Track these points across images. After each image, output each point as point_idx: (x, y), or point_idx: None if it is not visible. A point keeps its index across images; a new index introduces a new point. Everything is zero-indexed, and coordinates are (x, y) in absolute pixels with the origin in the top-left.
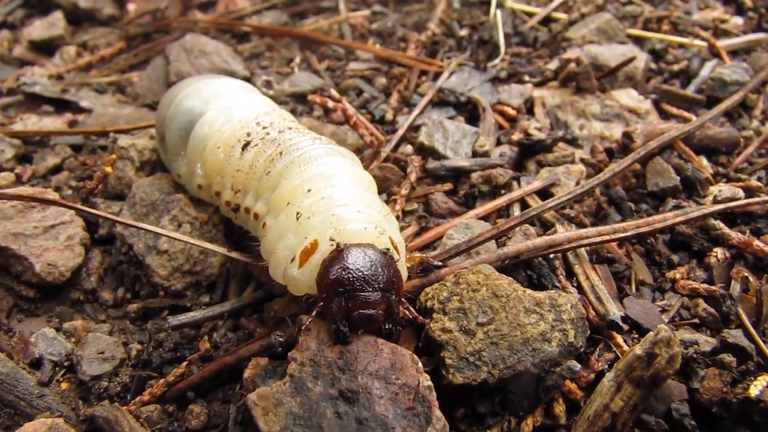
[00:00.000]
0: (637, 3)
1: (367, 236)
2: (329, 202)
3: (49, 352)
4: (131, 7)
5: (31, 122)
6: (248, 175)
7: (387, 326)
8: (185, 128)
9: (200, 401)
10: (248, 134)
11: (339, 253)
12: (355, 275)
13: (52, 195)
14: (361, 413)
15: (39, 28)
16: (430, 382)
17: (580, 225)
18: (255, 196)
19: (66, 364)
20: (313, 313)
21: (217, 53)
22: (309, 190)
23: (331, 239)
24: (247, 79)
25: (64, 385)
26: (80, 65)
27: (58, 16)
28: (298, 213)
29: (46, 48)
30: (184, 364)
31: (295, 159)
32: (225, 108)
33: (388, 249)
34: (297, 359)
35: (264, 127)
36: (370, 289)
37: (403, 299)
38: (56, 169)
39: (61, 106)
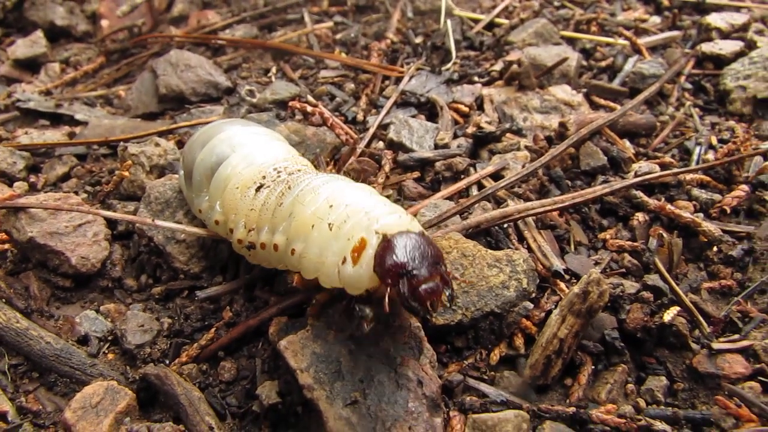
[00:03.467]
0: (569, 7)
1: (404, 224)
2: (355, 207)
3: (93, 330)
4: (104, 23)
5: (34, 136)
6: (261, 212)
7: (447, 294)
8: (212, 168)
9: (229, 359)
10: (263, 177)
11: (388, 242)
12: (410, 256)
13: (75, 199)
14: (369, 349)
15: (22, 47)
16: (419, 323)
17: (527, 200)
18: (270, 230)
19: (110, 338)
20: (386, 301)
21: (201, 66)
22: (331, 206)
23: (377, 232)
24: (231, 90)
25: (110, 356)
26: (66, 81)
27: (39, 35)
28: (330, 224)
29: (30, 65)
30: (213, 330)
31: (304, 188)
32: (249, 153)
33: (423, 231)
34: (314, 312)
35: (278, 171)
36: (426, 265)
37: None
38: (65, 177)
39: (56, 119)
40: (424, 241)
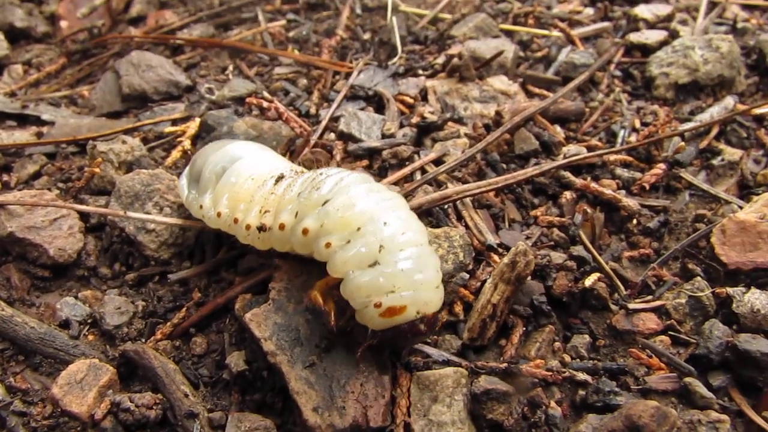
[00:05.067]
0: (508, 1)
1: (438, 302)
2: (410, 243)
3: (73, 315)
4: (63, 24)
5: (3, 136)
6: (283, 196)
7: None
8: (223, 168)
9: (200, 334)
10: (282, 173)
11: (413, 327)
12: (411, 339)
13: (50, 195)
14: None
15: None
16: None
17: (466, 182)
18: (295, 212)
19: (89, 321)
20: (361, 347)
21: (162, 66)
22: (386, 223)
23: (418, 312)
24: (191, 87)
25: (90, 337)
26: (30, 82)
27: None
28: (381, 246)
29: None
30: (184, 309)
31: (345, 178)
32: (263, 157)
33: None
34: (275, 288)
35: (296, 171)
36: (411, 344)
37: None
38: (36, 175)
39: (22, 120)
40: (431, 327)
